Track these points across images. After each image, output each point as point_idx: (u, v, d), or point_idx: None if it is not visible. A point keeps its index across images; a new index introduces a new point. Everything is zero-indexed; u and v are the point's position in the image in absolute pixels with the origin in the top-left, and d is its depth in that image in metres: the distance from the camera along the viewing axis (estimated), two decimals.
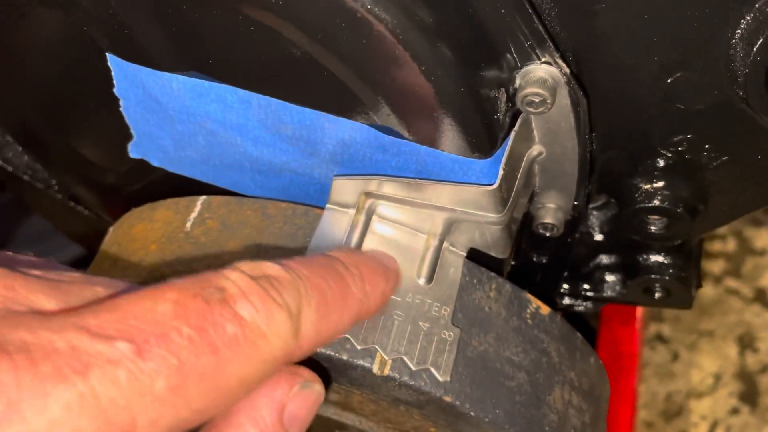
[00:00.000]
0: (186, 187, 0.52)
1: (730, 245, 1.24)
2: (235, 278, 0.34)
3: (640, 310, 0.91)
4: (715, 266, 1.22)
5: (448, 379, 0.43)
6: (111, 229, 0.54)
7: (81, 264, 0.95)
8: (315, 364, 0.43)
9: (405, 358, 0.42)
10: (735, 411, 1.11)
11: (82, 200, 0.64)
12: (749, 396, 1.12)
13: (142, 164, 0.52)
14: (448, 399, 0.43)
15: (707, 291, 1.19)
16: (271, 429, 0.38)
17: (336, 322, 0.38)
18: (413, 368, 0.42)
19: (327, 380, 0.44)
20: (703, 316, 1.18)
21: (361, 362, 0.42)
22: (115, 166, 0.55)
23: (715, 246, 1.23)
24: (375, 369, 0.42)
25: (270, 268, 0.36)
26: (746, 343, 1.16)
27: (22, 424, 0.27)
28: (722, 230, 1.24)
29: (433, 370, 0.43)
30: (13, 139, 0.60)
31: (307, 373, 0.41)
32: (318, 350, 0.42)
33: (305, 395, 0.40)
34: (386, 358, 0.42)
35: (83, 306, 0.32)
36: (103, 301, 0.32)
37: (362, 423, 0.49)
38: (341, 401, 0.47)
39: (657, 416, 1.12)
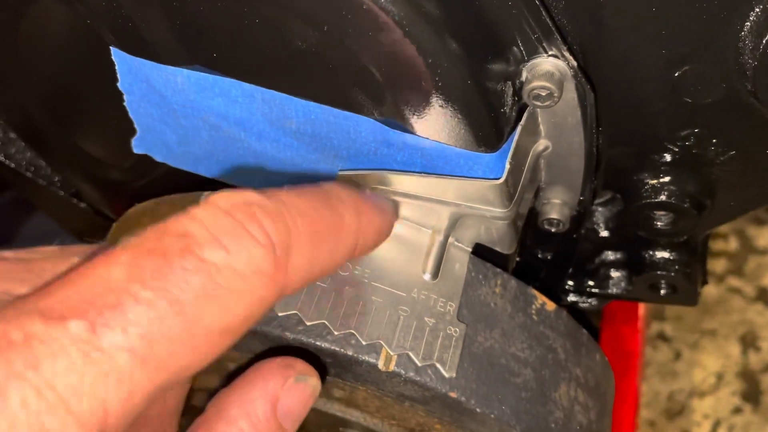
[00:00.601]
0: (190, 182, 0.52)
1: (733, 244, 1.24)
2: (203, 217, 0.31)
3: (642, 309, 0.91)
4: (717, 265, 1.22)
5: (454, 375, 0.43)
6: (114, 225, 0.53)
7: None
8: (311, 356, 0.42)
9: (410, 354, 0.42)
10: (737, 410, 1.11)
11: (86, 196, 0.63)
12: (752, 395, 1.12)
13: (146, 160, 0.52)
14: (453, 395, 0.43)
15: (710, 290, 1.19)
16: (264, 423, 0.37)
17: (329, 255, 0.36)
18: (419, 364, 0.42)
19: (323, 373, 0.44)
20: (705, 315, 1.18)
21: (366, 358, 0.42)
22: (119, 161, 0.55)
23: (718, 245, 1.23)
24: (380, 365, 0.42)
25: (252, 196, 0.33)
26: (749, 342, 1.16)
27: None
28: (724, 229, 1.24)
29: (438, 365, 0.43)
30: (16, 135, 0.60)
31: (301, 365, 0.40)
32: (322, 345, 0.42)
33: (300, 389, 0.39)
34: (391, 353, 0.42)
35: (44, 287, 0.30)
36: (61, 278, 0.30)
37: (366, 419, 0.49)
38: (345, 397, 0.47)
39: (659, 415, 1.12)
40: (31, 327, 0.27)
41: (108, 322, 0.28)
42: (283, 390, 0.38)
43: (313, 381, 0.40)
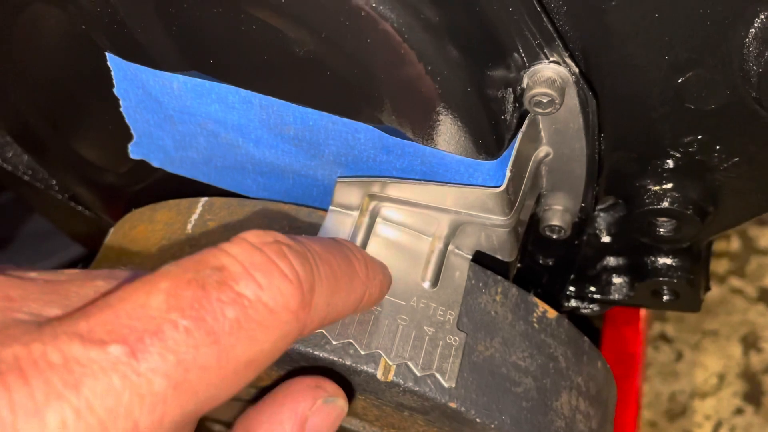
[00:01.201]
0: (187, 188, 0.52)
1: (735, 244, 1.24)
2: (236, 253, 0.33)
3: (644, 310, 0.91)
4: (719, 266, 1.22)
5: (454, 384, 0.42)
6: (112, 230, 0.53)
7: (83, 265, 0.95)
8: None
9: (410, 364, 0.42)
10: (739, 411, 1.11)
11: (83, 200, 0.63)
12: (753, 396, 1.12)
13: (143, 165, 0.52)
14: (453, 405, 0.42)
15: (711, 291, 1.19)
16: None
17: (344, 300, 0.37)
18: (418, 374, 0.42)
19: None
20: (707, 315, 1.18)
21: (364, 368, 0.42)
22: (116, 166, 0.55)
23: (720, 245, 1.23)
24: (379, 375, 0.42)
25: (279, 235, 0.35)
26: (750, 342, 1.16)
27: None
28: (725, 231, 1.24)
29: (438, 375, 0.42)
30: (13, 139, 0.59)
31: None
32: (321, 355, 0.42)
33: (328, 410, 0.40)
34: (390, 363, 0.42)
35: (80, 308, 0.30)
36: (97, 301, 0.31)
37: (365, 428, 0.48)
38: None
39: (661, 416, 1.12)
40: (71, 349, 0.28)
41: (147, 348, 0.29)
42: (312, 411, 0.39)
43: (341, 402, 0.41)
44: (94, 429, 0.27)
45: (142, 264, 0.47)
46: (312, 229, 0.45)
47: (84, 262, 0.96)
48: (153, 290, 0.30)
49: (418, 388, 0.42)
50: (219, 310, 0.31)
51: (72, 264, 0.94)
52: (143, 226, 0.50)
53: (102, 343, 0.28)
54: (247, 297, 0.31)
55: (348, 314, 0.39)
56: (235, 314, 0.31)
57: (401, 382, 0.42)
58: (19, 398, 0.27)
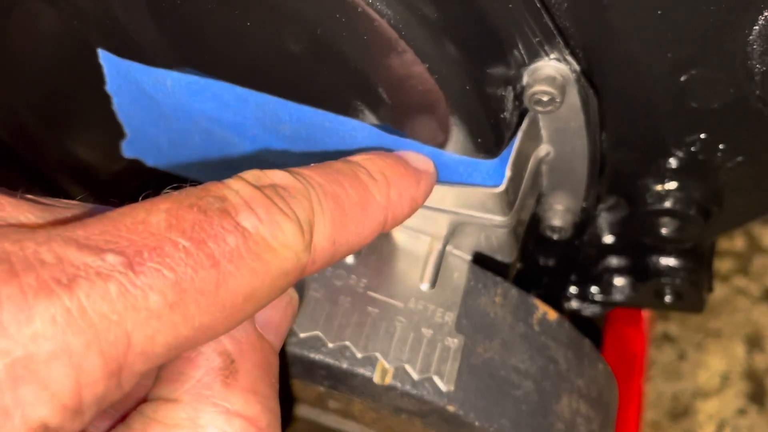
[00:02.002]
0: (182, 187, 0.51)
1: (738, 243, 1.24)
2: (238, 187, 0.32)
3: (647, 310, 0.91)
4: (723, 265, 1.22)
5: (452, 388, 0.42)
6: None
7: None
8: None
9: (407, 367, 0.42)
10: (742, 411, 1.11)
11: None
12: (757, 396, 1.12)
13: (137, 163, 0.51)
14: (451, 409, 0.42)
15: (715, 290, 1.19)
16: (243, 334, 0.35)
17: (355, 233, 0.36)
18: (416, 377, 0.42)
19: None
20: (710, 315, 1.18)
21: (361, 371, 0.41)
22: (109, 165, 0.55)
23: (723, 244, 1.23)
24: (376, 378, 0.42)
25: (278, 176, 0.34)
26: (754, 342, 1.16)
27: (3, 338, 0.26)
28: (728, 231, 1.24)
29: (436, 378, 0.42)
30: (5, 137, 0.59)
31: None
32: (316, 358, 0.41)
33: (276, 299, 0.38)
34: (388, 366, 0.42)
35: (76, 219, 0.30)
36: (96, 214, 0.30)
37: (363, 431, 0.48)
38: (342, 409, 0.46)
39: (663, 416, 1.12)
40: (65, 251, 0.27)
41: (145, 262, 0.28)
42: None
43: (289, 290, 0.38)
44: (85, 333, 0.26)
45: None
46: None
47: None
48: (154, 209, 0.30)
49: (415, 392, 0.42)
50: (220, 236, 0.30)
51: None
52: None
53: (99, 251, 0.28)
54: (246, 229, 0.31)
55: (367, 242, 0.37)
56: (236, 243, 0.30)
57: (399, 385, 0.42)
58: (7, 290, 0.26)
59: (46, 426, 0.26)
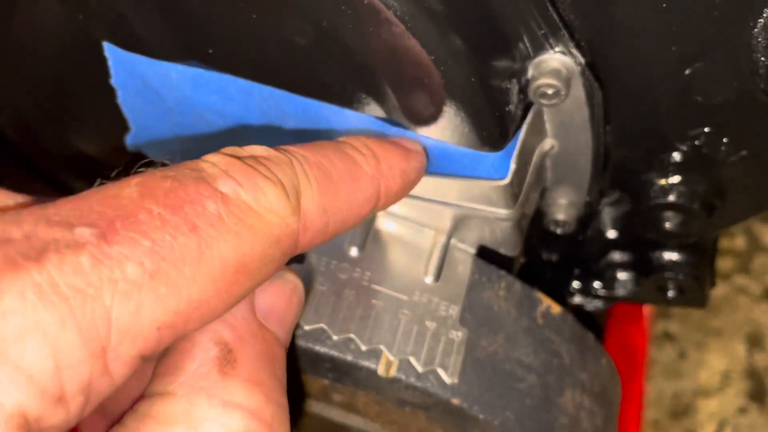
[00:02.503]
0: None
1: (739, 242, 1.24)
2: (214, 160, 0.31)
3: (647, 308, 0.91)
4: (723, 263, 1.22)
5: (456, 381, 0.42)
6: None
7: None
8: None
9: (411, 359, 0.42)
10: (743, 410, 1.11)
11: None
12: (757, 395, 1.12)
13: (141, 157, 0.51)
14: (455, 401, 0.42)
15: (716, 288, 1.19)
16: (243, 323, 0.34)
17: (347, 202, 0.35)
18: (420, 370, 0.42)
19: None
20: (711, 313, 1.18)
21: (366, 364, 0.41)
22: (113, 159, 0.54)
23: (724, 243, 1.23)
24: (380, 371, 0.41)
25: (258, 149, 0.33)
26: (755, 341, 1.16)
27: None
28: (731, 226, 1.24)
29: (440, 371, 0.42)
30: (9, 132, 0.59)
31: None
32: (321, 350, 0.42)
33: (278, 286, 0.36)
34: (392, 359, 0.42)
35: (46, 199, 0.28)
36: (69, 196, 0.28)
37: (367, 424, 0.48)
38: (345, 402, 0.46)
39: (664, 415, 1.12)
40: (34, 228, 0.26)
41: (119, 231, 0.27)
42: (257, 290, 0.35)
43: (291, 277, 0.37)
44: (58, 308, 0.25)
45: None
46: None
47: None
48: (125, 183, 0.29)
49: (420, 384, 0.42)
50: (198, 201, 0.29)
51: None
52: None
53: (69, 225, 0.26)
54: (226, 194, 0.30)
55: (363, 217, 0.36)
56: (215, 207, 0.29)
57: (403, 377, 0.42)
58: None
59: (24, 414, 0.25)
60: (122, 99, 0.47)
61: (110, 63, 0.45)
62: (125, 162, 0.52)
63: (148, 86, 0.45)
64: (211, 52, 0.42)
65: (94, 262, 0.26)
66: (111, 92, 0.47)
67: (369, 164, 0.37)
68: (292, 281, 0.37)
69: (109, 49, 0.44)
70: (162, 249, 0.27)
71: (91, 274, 0.26)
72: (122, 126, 0.49)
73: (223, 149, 0.32)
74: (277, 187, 0.31)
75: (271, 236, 0.31)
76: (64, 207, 0.27)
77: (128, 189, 0.28)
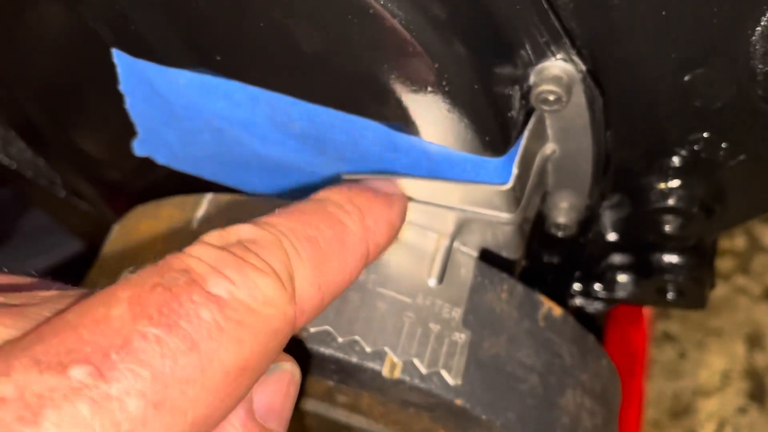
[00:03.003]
0: (192, 185, 0.52)
1: (739, 242, 1.24)
2: (200, 254, 0.29)
3: (647, 309, 0.91)
4: (723, 264, 1.22)
5: (459, 382, 0.43)
6: (116, 226, 0.53)
7: (83, 260, 0.95)
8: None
9: (415, 361, 0.42)
10: (743, 410, 1.11)
11: (86, 197, 0.63)
12: (757, 395, 1.12)
13: (148, 161, 0.52)
14: (459, 402, 0.42)
15: (715, 288, 1.19)
16: (242, 430, 0.32)
17: (339, 270, 0.34)
18: (424, 371, 0.42)
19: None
20: (711, 314, 1.18)
21: (370, 365, 0.42)
22: (120, 163, 0.55)
23: (724, 243, 1.23)
24: (385, 372, 0.42)
25: (243, 230, 0.31)
26: (754, 341, 1.16)
27: None
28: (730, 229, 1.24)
29: (444, 372, 0.42)
30: (17, 135, 0.60)
31: None
32: (327, 352, 0.42)
33: (275, 380, 0.34)
34: (396, 360, 0.42)
35: (34, 332, 0.26)
36: (51, 319, 0.27)
37: (371, 425, 0.48)
38: (349, 403, 0.47)
39: (664, 415, 1.12)
40: (26, 379, 0.24)
41: (115, 365, 0.25)
42: (254, 389, 0.33)
43: (288, 366, 0.35)
44: None
45: (147, 261, 0.47)
46: None
47: (85, 258, 0.96)
48: (113, 301, 0.27)
49: (423, 386, 0.42)
50: (192, 312, 0.27)
51: (72, 259, 0.95)
52: (148, 222, 0.50)
53: (61, 367, 0.25)
54: (220, 296, 0.28)
55: (353, 280, 0.35)
56: (211, 315, 0.28)
57: (407, 379, 0.42)
58: None
59: None
60: (130, 104, 0.47)
61: (119, 69, 0.45)
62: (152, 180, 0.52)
63: (155, 92, 0.46)
64: (219, 58, 0.43)
65: (95, 408, 0.25)
66: (119, 97, 0.47)
67: (355, 222, 0.36)
68: (289, 371, 0.35)
69: (117, 55, 0.45)
70: (163, 376, 0.26)
71: (92, 422, 0.24)
72: (130, 131, 0.49)
73: (206, 237, 0.31)
74: (271, 278, 0.30)
75: (270, 331, 0.30)
76: (53, 341, 0.26)
77: (118, 309, 0.27)
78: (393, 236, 0.39)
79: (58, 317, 0.27)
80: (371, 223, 0.37)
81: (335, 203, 0.36)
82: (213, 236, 0.31)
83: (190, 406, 0.27)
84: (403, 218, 0.40)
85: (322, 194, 0.37)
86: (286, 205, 0.36)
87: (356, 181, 0.42)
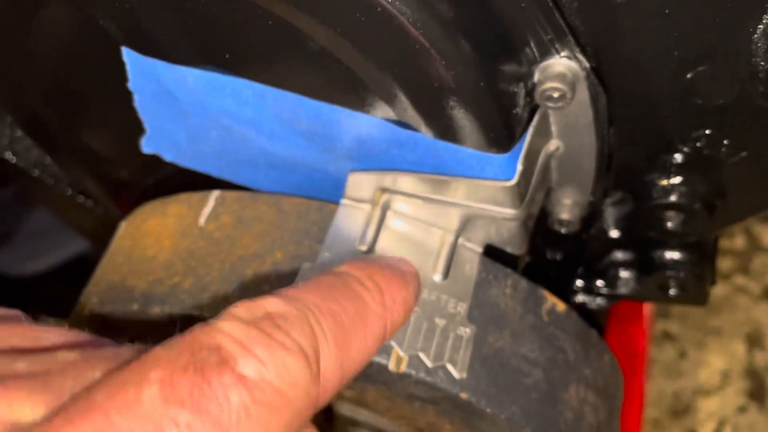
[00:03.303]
0: (199, 182, 0.52)
1: (739, 242, 1.24)
2: (229, 329, 0.29)
3: (648, 308, 0.91)
4: (723, 263, 1.22)
5: (465, 376, 0.43)
6: (123, 223, 0.53)
7: (87, 259, 0.95)
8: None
9: (421, 355, 0.42)
10: (743, 409, 1.11)
11: (93, 195, 0.64)
12: (757, 394, 1.12)
13: (155, 158, 0.52)
14: (464, 396, 0.43)
15: (715, 288, 1.19)
16: None
17: (360, 350, 0.34)
18: (429, 365, 0.42)
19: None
20: (711, 313, 1.18)
21: (377, 359, 0.42)
22: (128, 160, 0.55)
23: (724, 243, 1.23)
24: (391, 366, 0.42)
25: (271, 304, 0.31)
26: (754, 340, 1.16)
27: None
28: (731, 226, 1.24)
29: (449, 366, 0.43)
30: (25, 133, 0.60)
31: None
32: None
33: None
34: (402, 354, 0.42)
35: (63, 412, 0.26)
36: (80, 398, 0.27)
37: (376, 419, 0.49)
38: (355, 397, 0.47)
39: (664, 414, 1.12)
40: None
41: None
42: None
43: None
44: None
45: (155, 258, 0.47)
46: (323, 223, 0.46)
47: (88, 257, 0.96)
48: (144, 382, 0.27)
49: (429, 379, 0.42)
50: (222, 396, 0.27)
51: (76, 259, 0.95)
52: (155, 220, 0.50)
53: None
54: (250, 378, 0.28)
55: (370, 357, 0.35)
56: (240, 399, 0.28)
57: (413, 373, 0.42)
58: None
59: None
60: (139, 102, 0.48)
61: (128, 67, 0.46)
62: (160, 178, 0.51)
63: (163, 90, 0.46)
64: (226, 57, 0.43)
65: None
66: (127, 95, 0.48)
67: (376, 301, 0.36)
68: None
69: (127, 53, 0.45)
70: None
71: None
72: (138, 128, 0.50)
73: (234, 310, 0.31)
74: (299, 358, 0.30)
75: (294, 411, 0.30)
76: (82, 426, 0.26)
77: (149, 391, 0.27)
78: (408, 316, 0.39)
79: (87, 397, 0.27)
80: (389, 302, 0.37)
81: (356, 279, 0.36)
82: (241, 310, 0.31)
83: None
84: (417, 298, 0.40)
85: (343, 268, 0.37)
86: (308, 278, 0.36)
87: (370, 254, 0.43)
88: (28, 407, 0.27)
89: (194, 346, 0.28)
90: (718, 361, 1.15)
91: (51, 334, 0.32)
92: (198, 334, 0.29)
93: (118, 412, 0.26)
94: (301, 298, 0.32)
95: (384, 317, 0.36)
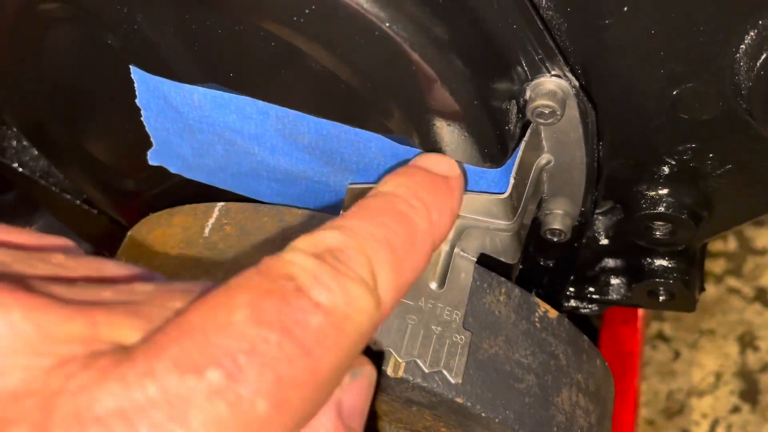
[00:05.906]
0: (203, 193, 0.53)
1: (731, 245, 1.24)
2: (299, 261, 0.31)
3: (641, 310, 0.91)
4: (716, 266, 1.22)
5: (460, 381, 0.44)
6: (129, 233, 0.54)
7: None
8: None
9: (418, 361, 0.43)
10: (736, 409, 1.11)
11: (98, 204, 0.64)
12: (750, 394, 1.12)
13: (160, 170, 0.53)
14: (459, 400, 0.44)
15: (708, 290, 1.19)
16: (332, 429, 0.34)
17: (412, 269, 0.35)
18: (426, 370, 0.43)
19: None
20: (704, 315, 1.19)
21: (375, 365, 0.43)
22: (134, 172, 0.56)
23: (717, 245, 1.23)
24: (389, 371, 0.43)
25: (328, 237, 0.33)
26: (747, 341, 1.16)
27: None
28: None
29: (445, 372, 0.43)
30: (31, 144, 0.60)
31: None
32: None
33: (359, 384, 0.36)
34: (400, 360, 0.43)
35: (163, 333, 0.28)
36: (176, 321, 0.28)
37: (374, 423, 0.49)
38: None
39: (658, 414, 1.12)
40: (169, 381, 0.26)
41: (244, 369, 0.27)
42: (343, 392, 0.35)
43: (368, 369, 0.37)
44: None
45: (161, 267, 0.48)
46: None
47: None
48: (233, 305, 0.28)
49: (426, 384, 0.43)
50: (303, 319, 0.29)
51: None
52: (161, 230, 0.51)
53: (198, 370, 0.26)
54: (323, 305, 0.30)
55: (421, 272, 0.36)
56: (318, 323, 0.29)
57: (410, 378, 0.43)
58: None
59: None
60: (146, 117, 0.49)
61: (136, 85, 0.47)
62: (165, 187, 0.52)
63: (170, 106, 0.47)
64: (231, 75, 0.44)
65: (231, 408, 0.26)
66: (134, 109, 0.49)
67: (423, 220, 0.37)
68: (369, 375, 0.37)
69: (135, 72, 0.46)
70: (283, 379, 0.28)
71: (230, 422, 0.26)
72: (145, 142, 0.51)
73: (299, 243, 0.32)
74: (362, 287, 0.32)
75: (361, 335, 0.31)
76: (186, 345, 0.27)
77: (240, 314, 0.28)
78: (454, 223, 0.40)
79: (183, 320, 0.28)
80: (436, 218, 0.38)
81: (404, 200, 0.37)
82: (304, 243, 0.32)
83: (300, 405, 0.28)
84: (461, 200, 0.41)
85: (388, 187, 0.38)
86: (355, 199, 0.37)
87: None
88: (129, 330, 0.28)
89: (272, 273, 0.30)
90: (711, 362, 1.16)
91: (108, 265, 0.33)
92: (270, 262, 0.31)
93: (215, 332, 0.27)
94: (354, 228, 0.34)
95: (432, 233, 0.37)
